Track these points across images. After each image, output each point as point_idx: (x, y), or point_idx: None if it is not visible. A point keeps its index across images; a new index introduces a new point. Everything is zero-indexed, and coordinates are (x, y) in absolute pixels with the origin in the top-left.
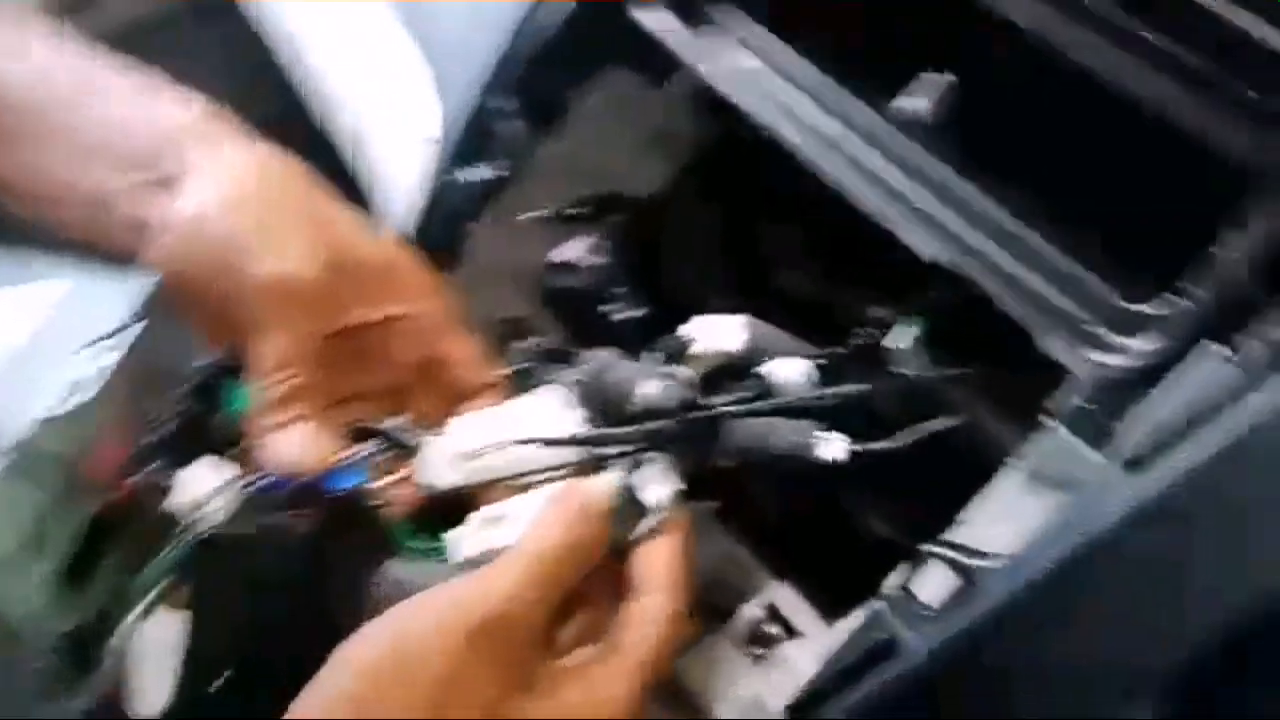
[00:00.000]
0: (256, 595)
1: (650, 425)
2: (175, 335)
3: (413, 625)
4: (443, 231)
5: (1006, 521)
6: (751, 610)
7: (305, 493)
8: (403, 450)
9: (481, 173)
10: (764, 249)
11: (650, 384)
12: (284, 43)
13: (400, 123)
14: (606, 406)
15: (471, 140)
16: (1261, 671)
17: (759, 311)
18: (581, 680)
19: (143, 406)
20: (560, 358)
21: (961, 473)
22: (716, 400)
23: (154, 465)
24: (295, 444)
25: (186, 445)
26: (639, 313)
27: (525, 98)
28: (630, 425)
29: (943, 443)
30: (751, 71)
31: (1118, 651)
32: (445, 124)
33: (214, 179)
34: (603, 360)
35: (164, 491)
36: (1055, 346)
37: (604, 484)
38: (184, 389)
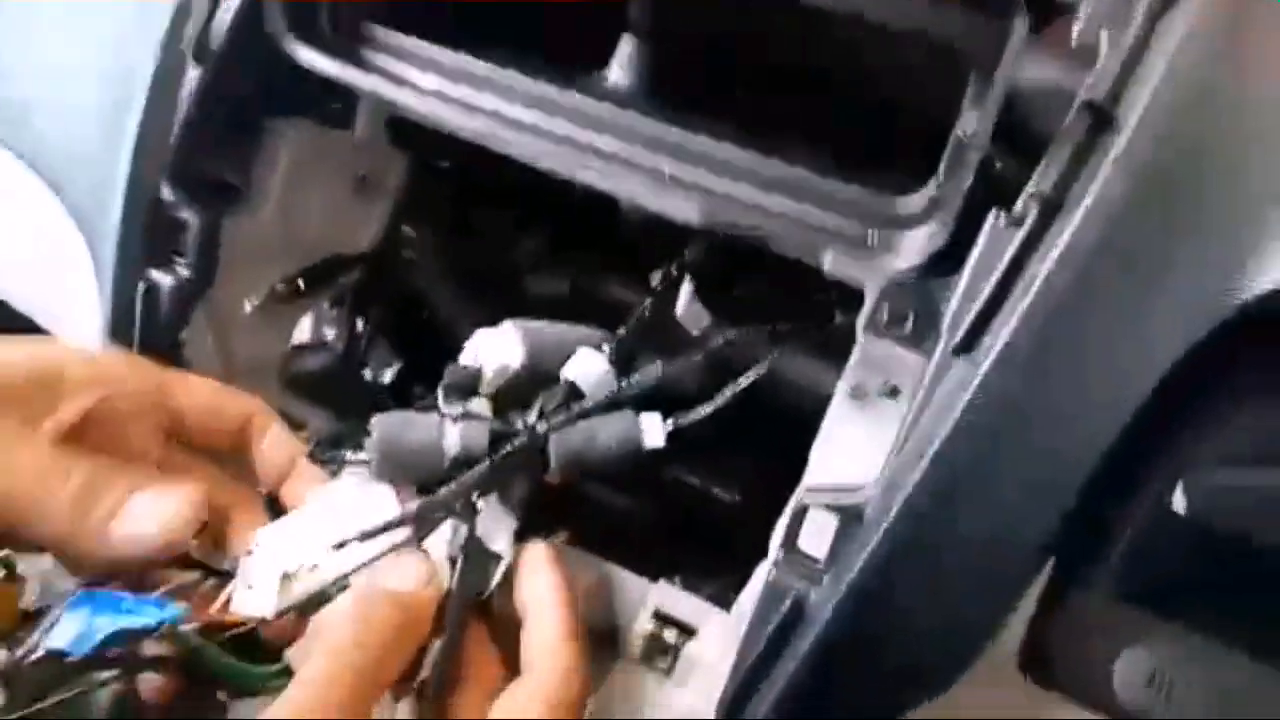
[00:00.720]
0: None
1: (471, 474)
2: None
3: None
4: (152, 347)
5: (853, 448)
6: (641, 625)
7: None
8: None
9: (175, 274)
10: (511, 260)
11: (453, 431)
12: None
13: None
14: (417, 472)
15: (151, 243)
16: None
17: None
18: None
19: None
20: (345, 439)
21: (794, 420)
22: (529, 421)
23: None
24: (150, 512)
25: None
26: (399, 365)
27: (193, 179)
28: (448, 481)
29: (765, 397)
30: (439, 88)
31: (1015, 519)
32: (94, 239)
33: None
34: (392, 425)
35: None
36: (841, 265)
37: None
38: None
